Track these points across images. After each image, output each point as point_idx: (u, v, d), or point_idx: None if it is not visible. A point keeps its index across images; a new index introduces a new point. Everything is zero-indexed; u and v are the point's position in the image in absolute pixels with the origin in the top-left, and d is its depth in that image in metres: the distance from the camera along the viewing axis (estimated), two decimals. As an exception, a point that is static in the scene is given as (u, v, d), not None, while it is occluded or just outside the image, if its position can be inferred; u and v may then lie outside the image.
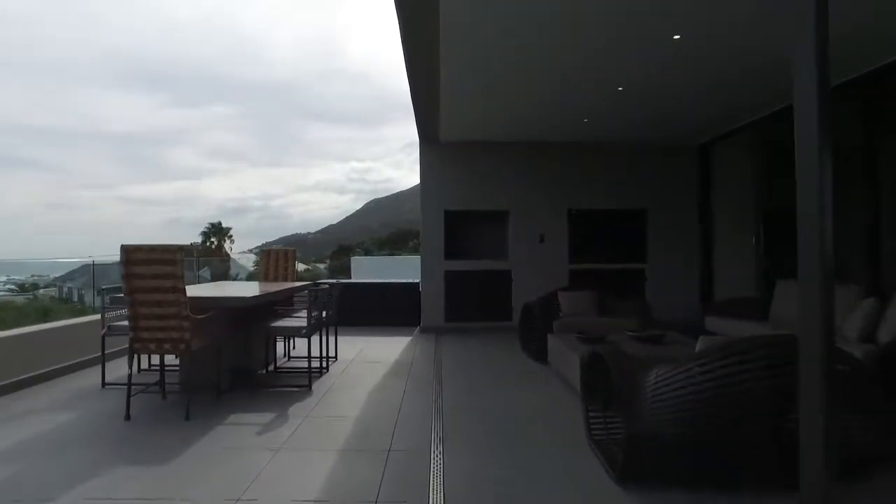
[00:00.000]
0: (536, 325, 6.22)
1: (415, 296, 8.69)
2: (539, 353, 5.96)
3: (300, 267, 58.43)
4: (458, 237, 8.84)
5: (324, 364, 5.76)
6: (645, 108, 6.89)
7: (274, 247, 7.72)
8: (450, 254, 8.59)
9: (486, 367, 5.99)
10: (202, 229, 53.80)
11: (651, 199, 8.69)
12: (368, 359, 6.44)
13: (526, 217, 8.57)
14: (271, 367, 5.76)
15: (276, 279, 7.00)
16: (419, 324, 8.57)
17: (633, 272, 8.66)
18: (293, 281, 6.96)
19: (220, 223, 54.68)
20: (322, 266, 64.17)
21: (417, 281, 8.75)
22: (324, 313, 5.81)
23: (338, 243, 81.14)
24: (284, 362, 6.20)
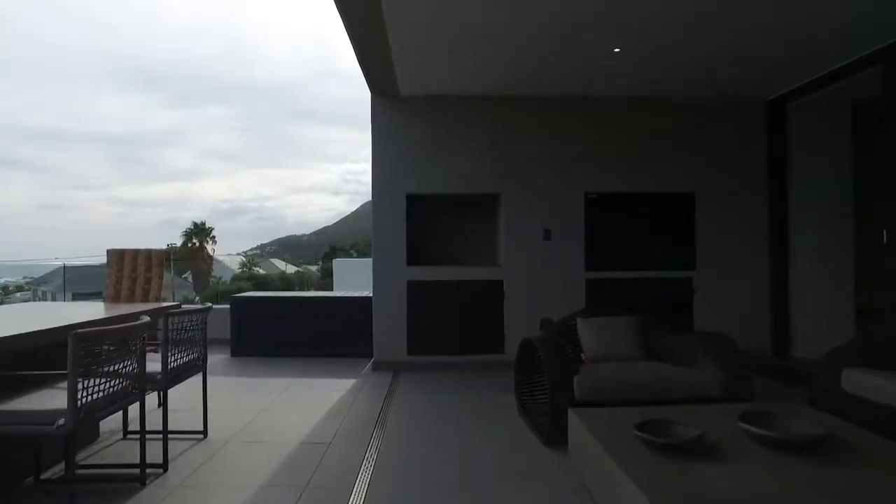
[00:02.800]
0: (544, 377, 3.65)
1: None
2: (551, 430, 3.41)
3: (290, 269, 56.30)
4: (426, 233, 6.27)
5: (168, 454, 3.18)
6: (702, 35, 4.34)
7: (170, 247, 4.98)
8: (415, 257, 6.01)
9: (458, 458, 3.39)
10: (183, 230, 51.09)
11: (701, 178, 6.12)
12: (262, 433, 3.87)
13: (525, 204, 5.99)
14: (63, 469, 3.17)
15: (131, 298, 4.42)
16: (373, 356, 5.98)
17: (675, 282, 6.09)
18: (156, 300, 4.38)
19: (203, 223, 51.88)
20: (314, 268, 61.85)
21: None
22: (166, 364, 3.23)
23: (331, 245, 78.82)
24: (114, 442, 3.61)
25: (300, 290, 45.92)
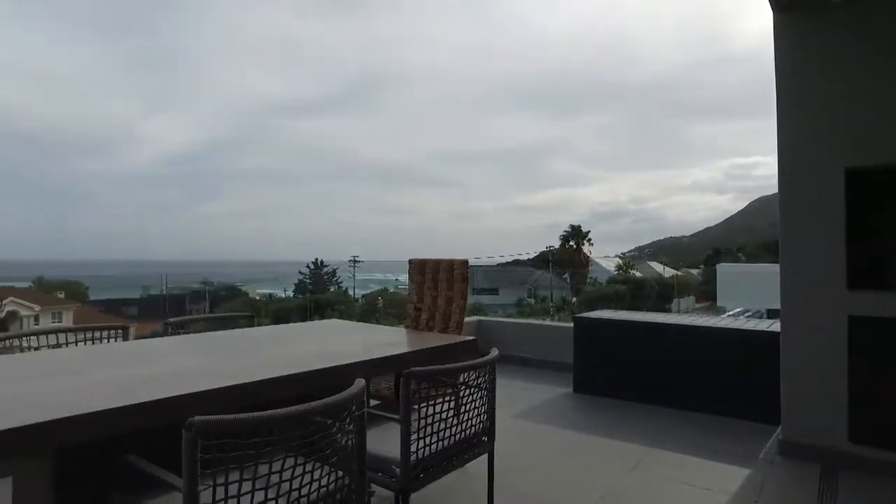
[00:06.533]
0: None
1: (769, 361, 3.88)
2: None
3: (668, 272, 53.68)
4: (885, 235, 3.68)
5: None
6: None
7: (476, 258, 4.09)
8: (861, 275, 3.54)
9: None
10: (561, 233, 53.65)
11: None
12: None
13: None
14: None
15: (429, 324, 3.53)
16: (778, 426, 3.77)
17: None
18: (458, 328, 3.37)
19: (579, 227, 53.44)
20: (695, 271, 57.00)
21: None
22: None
23: (714, 247, 71.84)
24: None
25: (678, 295, 42.50)
